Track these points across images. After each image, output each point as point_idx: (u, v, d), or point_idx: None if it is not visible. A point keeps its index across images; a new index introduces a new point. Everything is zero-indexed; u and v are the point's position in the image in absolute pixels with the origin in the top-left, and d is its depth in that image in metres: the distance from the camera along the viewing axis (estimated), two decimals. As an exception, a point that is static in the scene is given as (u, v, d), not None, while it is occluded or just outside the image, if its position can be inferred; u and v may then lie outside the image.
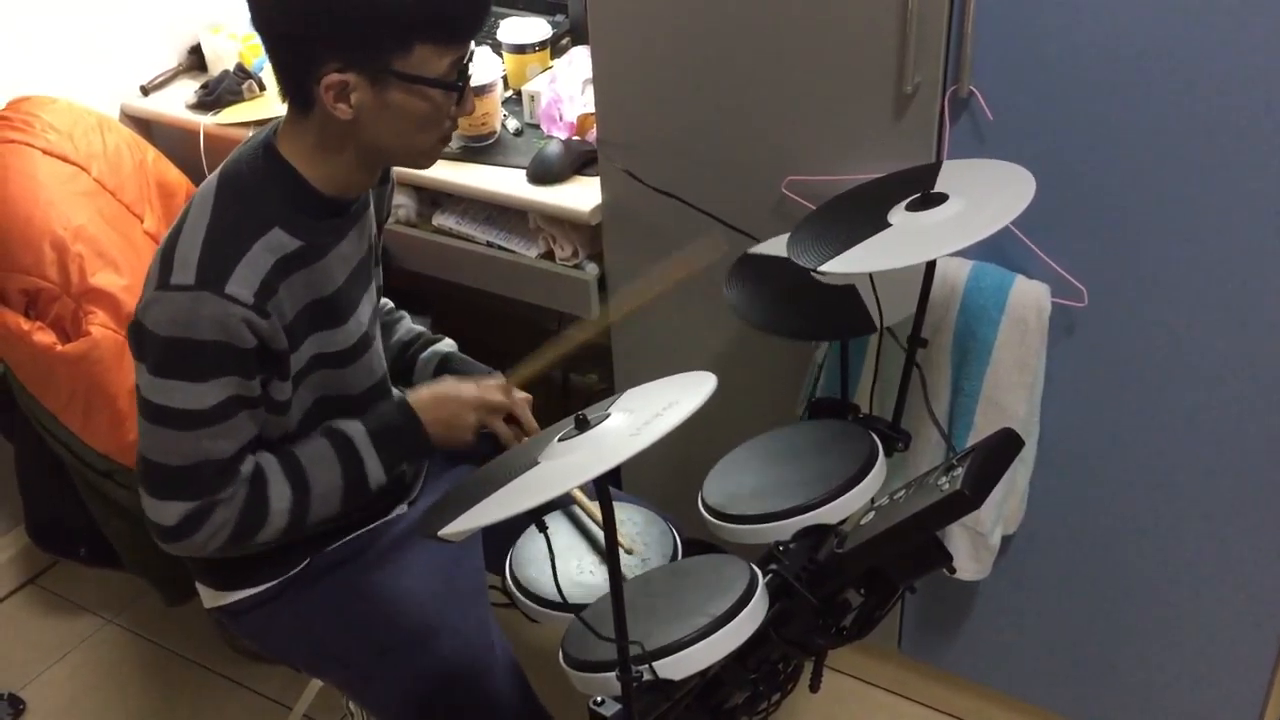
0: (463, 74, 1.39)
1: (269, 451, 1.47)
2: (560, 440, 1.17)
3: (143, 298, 1.38)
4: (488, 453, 1.50)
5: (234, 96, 2.29)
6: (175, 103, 2.34)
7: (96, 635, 2.41)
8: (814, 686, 1.47)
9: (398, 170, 1.71)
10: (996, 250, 1.63)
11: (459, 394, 1.57)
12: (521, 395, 1.63)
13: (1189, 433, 1.64)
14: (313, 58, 1.32)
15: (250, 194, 1.40)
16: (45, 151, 2.02)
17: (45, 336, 1.95)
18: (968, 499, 1.19)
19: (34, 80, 2.18)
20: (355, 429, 1.51)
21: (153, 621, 2.40)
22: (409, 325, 1.77)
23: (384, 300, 1.75)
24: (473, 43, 1.40)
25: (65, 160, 2.04)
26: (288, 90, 1.38)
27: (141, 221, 2.12)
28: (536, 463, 1.16)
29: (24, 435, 2.17)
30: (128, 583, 2.33)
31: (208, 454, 1.39)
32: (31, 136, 2.02)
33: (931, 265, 1.47)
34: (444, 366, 1.72)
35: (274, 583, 1.57)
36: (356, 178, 1.45)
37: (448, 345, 1.76)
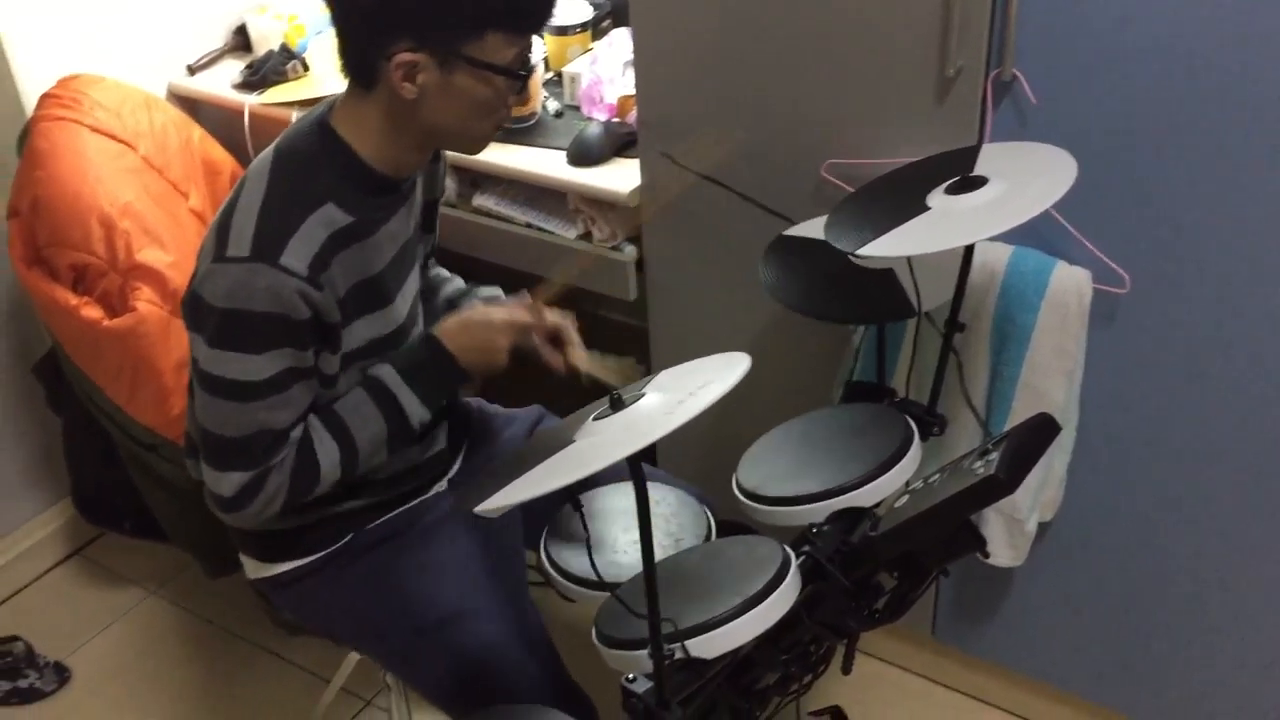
0: (525, 64, 1.41)
1: (311, 411, 1.49)
2: (595, 419, 1.18)
3: (198, 270, 1.40)
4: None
5: (278, 77, 2.31)
6: (221, 82, 2.37)
7: (140, 606, 2.45)
8: (846, 669, 1.47)
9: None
10: (1038, 235, 1.62)
11: (486, 317, 1.54)
12: (554, 312, 1.59)
13: (1231, 422, 1.62)
14: (385, 34, 1.34)
15: (305, 169, 1.42)
16: (94, 129, 2.05)
17: (93, 311, 1.98)
18: (1002, 483, 1.19)
19: (83, 59, 2.21)
20: (386, 371, 1.51)
21: (195, 594, 2.44)
22: (459, 284, 1.76)
23: (439, 270, 1.76)
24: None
25: (113, 138, 2.07)
26: (351, 66, 1.40)
27: (187, 199, 2.14)
28: (572, 441, 1.17)
29: (71, 409, 2.21)
30: (171, 555, 2.38)
31: (264, 425, 1.41)
32: (80, 114, 2.05)
33: (970, 249, 1.46)
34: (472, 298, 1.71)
35: (316, 556, 1.59)
36: (410, 157, 1.46)
37: (488, 289, 1.74)
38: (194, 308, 1.40)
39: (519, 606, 1.62)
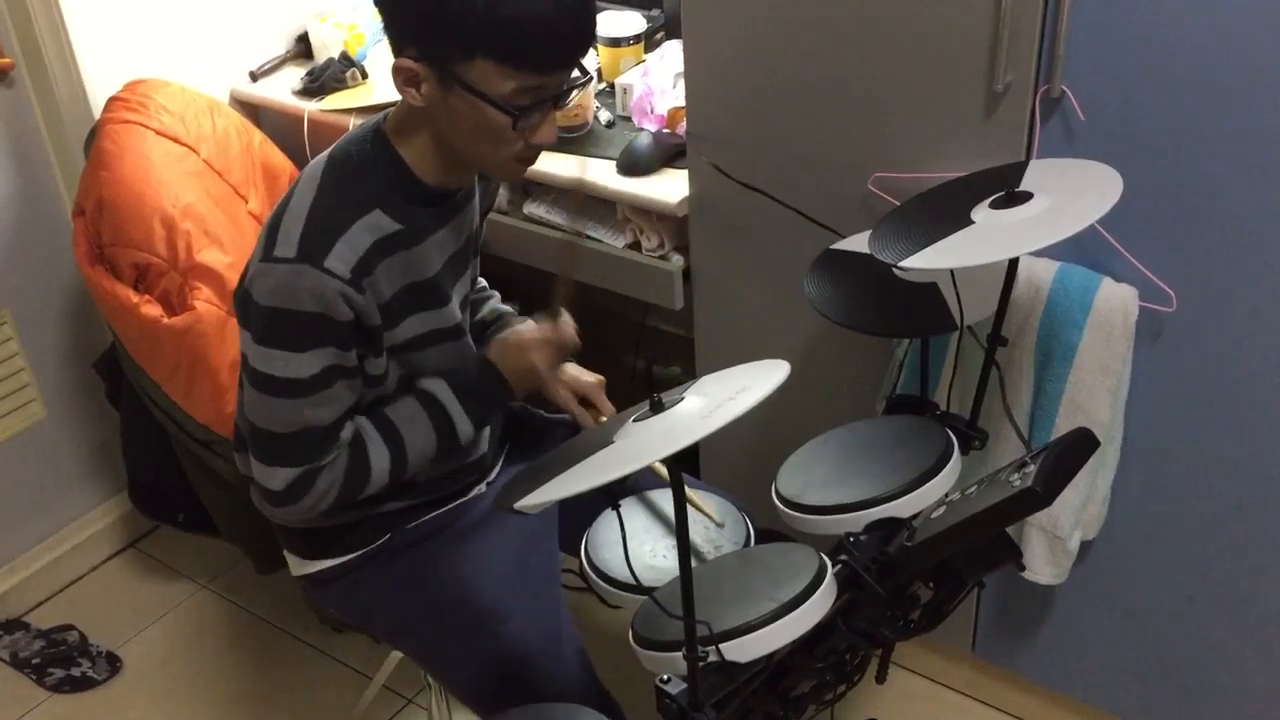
0: (536, 105, 1.36)
1: (364, 415, 1.52)
2: (635, 421, 1.20)
3: (248, 269, 1.44)
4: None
5: (338, 84, 2.36)
6: (282, 89, 2.42)
7: (191, 599, 2.50)
8: (880, 678, 1.47)
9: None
10: (1084, 251, 1.62)
11: (520, 338, 1.61)
12: (591, 375, 1.67)
13: (1278, 441, 1.61)
14: (397, 40, 1.37)
15: (355, 175, 1.45)
16: (158, 132, 2.10)
17: (152, 309, 2.03)
18: (1039, 496, 1.19)
19: (150, 64, 2.27)
20: (440, 387, 1.55)
21: (244, 588, 2.49)
22: (494, 305, 1.81)
23: (480, 280, 1.80)
24: (565, 81, 1.38)
25: (176, 141, 2.12)
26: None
27: (246, 202, 2.19)
28: (612, 442, 1.19)
29: (129, 404, 2.26)
30: (222, 550, 2.42)
31: (309, 421, 1.44)
32: (146, 118, 2.11)
33: (1014, 263, 1.46)
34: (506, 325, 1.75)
35: (356, 554, 1.62)
36: (452, 170, 1.48)
37: (525, 324, 1.76)
38: (244, 305, 1.44)
39: (553, 610, 1.63)
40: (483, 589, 1.60)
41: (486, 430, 1.70)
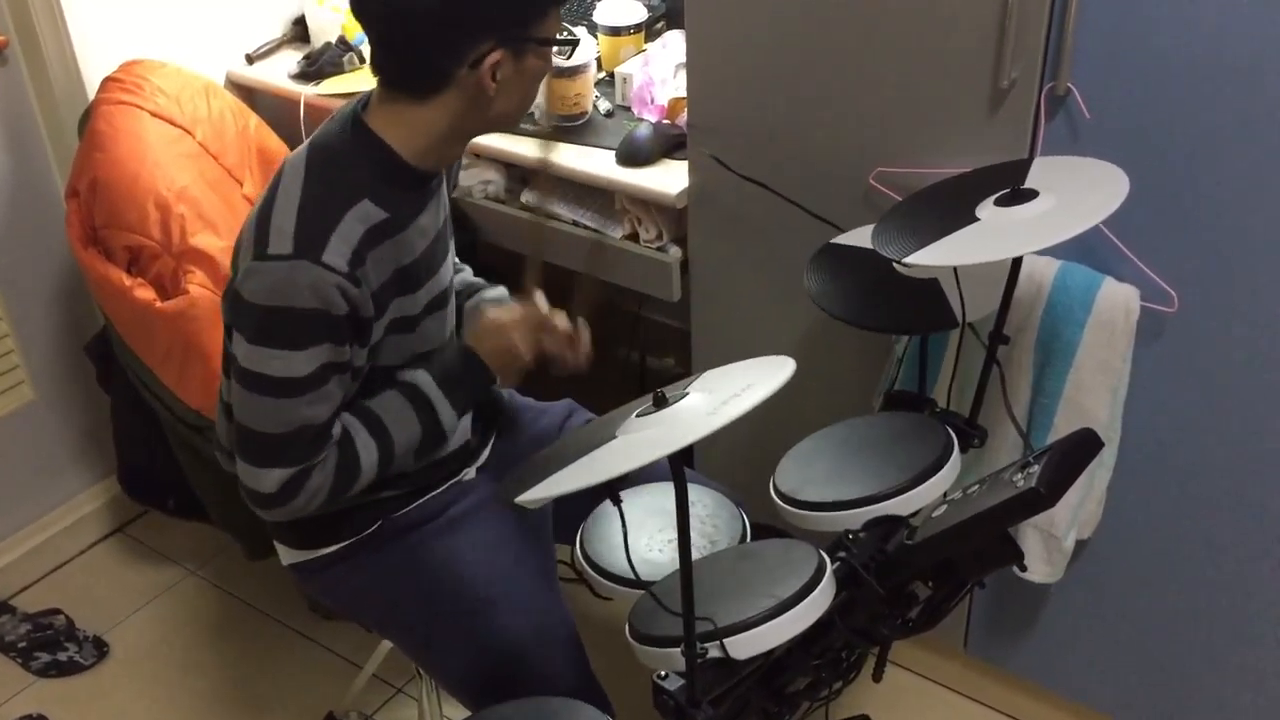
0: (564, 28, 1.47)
1: (348, 412, 1.51)
2: (638, 416, 1.19)
3: (237, 269, 1.42)
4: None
5: (334, 68, 2.34)
6: (278, 72, 2.40)
7: (180, 585, 2.49)
8: (877, 676, 1.47)
9: (484, 145, 1.70)
10: (1086, 250, 1.61)
11: (498, 319, 1.60)
12: (559, 314, 1.65)
13: (1277, 444, 1.61)
14: (465, 41, 1.36)
15: (341, 166, 1.43)
16: (153, 114, 2.08)
17: (145, 293, 2.02)
18: (1043, 496, 1.19)
19: (146, 45, 2.25)
20: (422, 378, 1.54)
21: (234, 575, 2.47)
22: (464, 278, 1.78)
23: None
24: None
25: (172, 123, 2.10)
26: (414, 77, 1.41)
27: (241, 186, 2.18)
28: (614, 436, 1.18)
29: (120, 388, 2.25)
30: (212, 535, 2.41)
31: (305, 420, 1.43)
32: (141, 99, 2.09)
33: (1017, 262, 1.46)
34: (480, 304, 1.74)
35: (345, 543, 1.61)
36: (454, 151, 1.50)
37: (495, 291, 1.77)
38: (234, 306, 1.42)
39: (546, 599, 1.63)
40: (472, 579, 1.59)
41: (469, 418, 1.69)
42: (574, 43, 1.49)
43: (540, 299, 1.63)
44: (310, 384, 1.41)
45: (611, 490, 1.55)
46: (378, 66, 1.44)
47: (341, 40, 2.37)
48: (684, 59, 1.88)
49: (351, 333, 1.43)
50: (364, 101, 1.47)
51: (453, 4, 1.34)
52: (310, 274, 1.36)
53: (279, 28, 2.50)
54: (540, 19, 1.40)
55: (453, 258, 1.65)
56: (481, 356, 1.58)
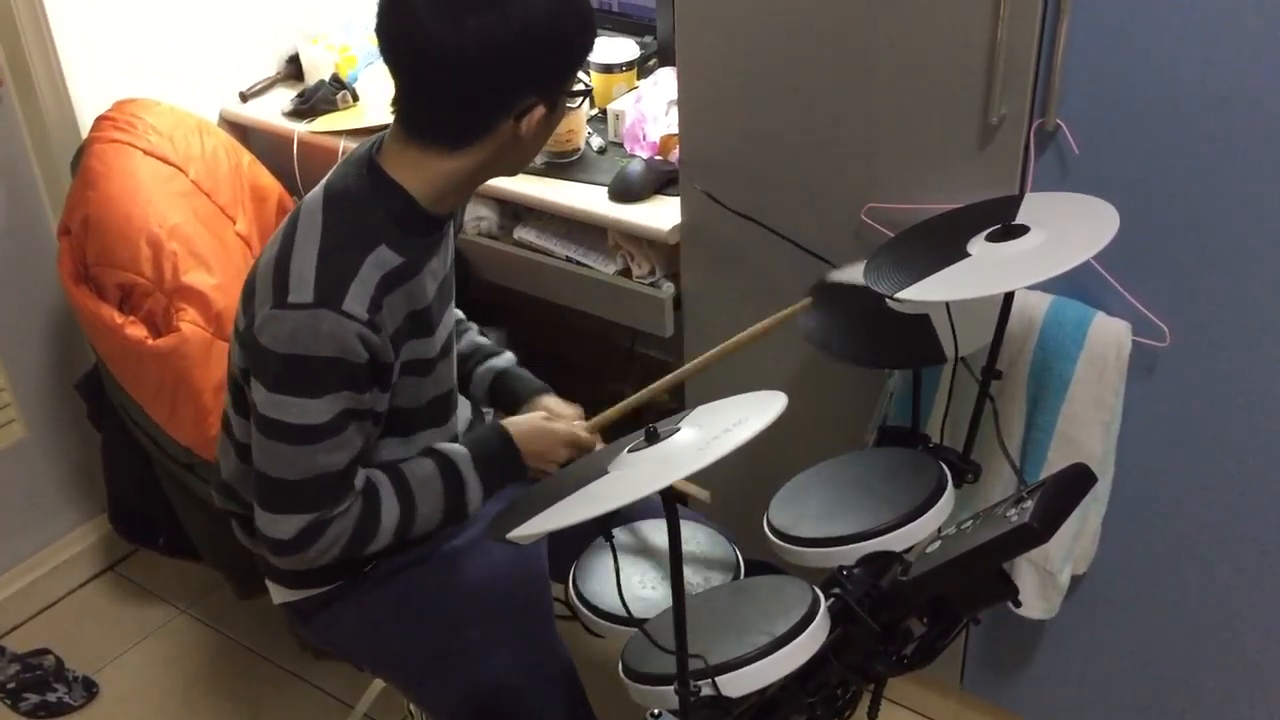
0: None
1: (379, 469, 1.51)
2: (630, 451, 1.19)
3: (256, 316, 1.41)
4: None
5: (328, 106, 2.35)
6: (272, 110, 2.41)
7: (170, 624, 2.47)
8: (872, 714, 1.46)
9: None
10: (1078, 285, 1.62)
11: (555, 432, 1.63)
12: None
13: (1271, 478, 1.60)
14: (515, 94, 1.38)
15: (358, 211, 1.43)
16: (146, 152, 2.09)
17: (137, 330, 2.01)
18: (1036, 532, 1.18)
19: (139, 83, 2.25)
20: (459, 453, 1.56)
21: (225, 613, 2.45)
22: (471, 338, 1.80)
23: (472, 328, 1.80)
24: None
25: (165, 161, 2.11)
26: (459, 125, 1.40)
27: (234, 223, 2.18)
28: (606, 472, 1.17)
29: (111, 425, 2.24)
30: (203, 574, 2.39)
31: (324, 468, 1.42)
32: (134, 137, 2.09)
33: (1009, 297, 1.46)
34: (500, 381, 1.76)
35: (338, 583, 1.60)
36: (465, 195, 1.51)
37: (504, 360, 1.78)
38: (253, 353, 1.41)
39: (542, 638, 1.62)
40: (468, 617, 1.58)
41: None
42: (589, 91, 1.51)
43: (598, 438, 1.67)
44: (328, 431, 1.40)
45: (604, 527, 1.55)
46: (404, 114, 1.42)
47: (335, 78, 2.38)
48: (676, 96, 1.89)
49: (370, 379, 1.43)
50: (377, 144, 1.47)
51: (510, 59, 1.34)
52: (331, 322, 1.36)
53: (273, 66, 2.51)
54: (570, 73, 1.44)
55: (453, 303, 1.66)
56: (525, 450, 1.59)
